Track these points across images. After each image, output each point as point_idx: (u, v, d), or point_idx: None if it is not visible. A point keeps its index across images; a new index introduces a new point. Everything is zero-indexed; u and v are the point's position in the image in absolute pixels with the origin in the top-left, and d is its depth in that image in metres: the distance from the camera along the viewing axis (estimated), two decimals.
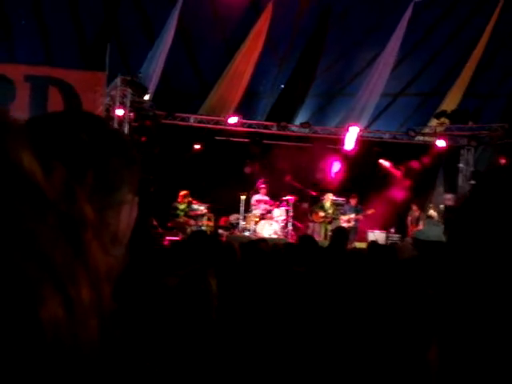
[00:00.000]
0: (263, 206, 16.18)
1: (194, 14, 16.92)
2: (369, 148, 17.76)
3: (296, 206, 16.50)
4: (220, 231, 14.64)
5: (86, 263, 0.52)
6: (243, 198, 16.00)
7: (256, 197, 16.33)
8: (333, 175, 17.68)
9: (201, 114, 18.05)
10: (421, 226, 16.36)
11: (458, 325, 0.74)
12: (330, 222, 16.16)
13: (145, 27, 17.59)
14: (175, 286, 2.25)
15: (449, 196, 18.52)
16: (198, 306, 2.27)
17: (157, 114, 16.69)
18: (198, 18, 17.17)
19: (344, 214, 16.47)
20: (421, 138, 18.70)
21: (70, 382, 0.48)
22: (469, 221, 0.79)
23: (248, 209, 16.18)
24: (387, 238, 16.59)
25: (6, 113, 0.53)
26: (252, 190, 16.46)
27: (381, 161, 18.04)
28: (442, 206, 18.28)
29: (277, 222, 15.88)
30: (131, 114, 15.31)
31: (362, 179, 17.09)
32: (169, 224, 15.34)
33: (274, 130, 17.95)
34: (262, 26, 17.47)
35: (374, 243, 8.18)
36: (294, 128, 18.37)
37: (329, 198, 16.44)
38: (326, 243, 11.82)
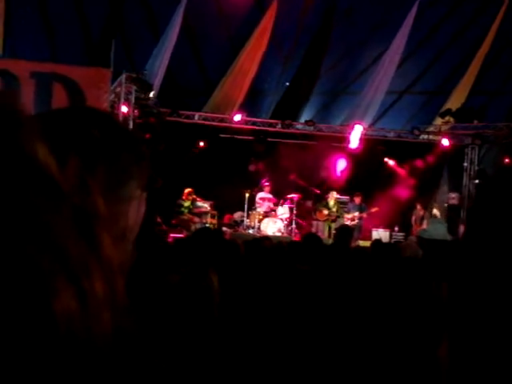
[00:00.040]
0: (267, 204, 16.19)
1: (198, 11, 16.91)
2: (373, 146, 17.73)
3: (300, 204, 16.50)
4: (224, 229, 14.64)
5: (99, 256, 0.52)
6: (247, 195, 16.00)
7: (260, 195, 16.34)
8: (338, 173, 17.66)
9: (205, 112, 18.04)
10: (425, 225, 16.34)
11: (469, 322, 0.74)
12: (333, 221, 16.16)
13: (150, 24, 17.59)
14: (177, 283, 2.25)
15: (453, 195, 18.50)
16: (200, 302, 2.27)
17: (161, 111, 16.70)
18: (202, 16, 17.16)
19: (348, 212, 16.47)
20: (425, 136, 18.67)
21: (83, 374, 0.48)
22: (481, 219, 0.79)
23: (252, 206, 16.18)
24: (391, 236, 16.59)
25: (20, 107, 0.53)
26: (256, 187, 16.46)
27: (386, 159, 18.02)
28: (445, 204, 18.29)
29: (281, 219, 15.88)
30: (136, 111, 15.32)
31: (366, 177, 17.06)
32: (173, 221, 15.36)
33: (279, 128, 17.94)
34: (266, 23, 17.45)
35: (377, 241, 8.17)
36: (298, 126, 18.36)
37: (333, 196, 16.46)
38: (330, 241, 11.85)
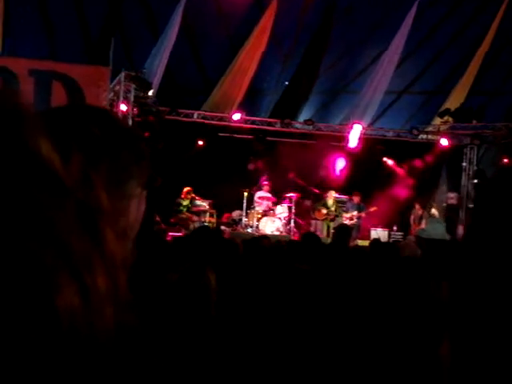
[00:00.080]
0: (266, 203, 16.18)
1: (198, 10, 16.90)
2: (372, 146, 17.73)
3: (298, 203, 16.50)
4: (222, 227, 14.64)
5: (102, 251, 0.52)
6: (246, 194, 16.00)
7: (259, 193, 16.34)
8: (337, 173, 17.65)
9: (204, 111, 18.04)
10: (423, 225, 16.35)
11: (471, 321, 0.74)
12: (332, 220, 16.16)
13: (149, 23, 17.58)
14: (175, 282, 2.26)
15: (452, 195, 18.51)
16: (197, 301, 2.27)
17: (160, 109, 16.70)
18: (202, 14, 17.14)
19: (346, 211, 16.47)
20: (424, 136, 18.67)
21: (85, 369, 0.48)
22: (482, 219, 0.79)
23: (251, 205, 16.18)
24: (390, 235, 16.58)
25: (23, 102, 0.53)
26: (255, 186, 16.46)
27: (385, 159, 18.02)
28: (444, 204, 18.30)
29: (279, 219, 15.87)
30: (135, 110, 15.32)
31: (365, 177, 17.05)
32: (172, 220, 15.37)
33: (278, 127, 17.94)
34: (266, 22, 17.43)
35: (376, 241, 8.17)
36: (297, 125, 18.35)
37: (331, 196, 16.45)
38: (329, 241, 11.84)
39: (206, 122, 17.60)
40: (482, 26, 17.34)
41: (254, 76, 18.02)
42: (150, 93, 15.92)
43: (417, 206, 16.88)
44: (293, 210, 16.11)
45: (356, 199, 16.49)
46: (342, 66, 18.39)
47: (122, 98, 14.53)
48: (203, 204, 15.86)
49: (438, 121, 18.40)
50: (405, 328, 2.64)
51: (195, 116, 17.59)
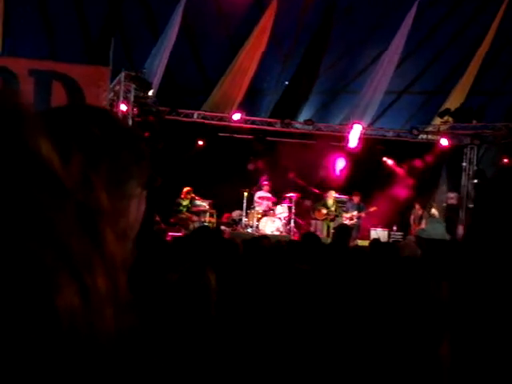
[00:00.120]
0: (266, 203, 16.18)
1: (198, 10, 16.90)
2: (372, 146, 17.73)
3: (299, 204, 16.51)
4: (222, 227, 14.65)
5: (102, 252, 0.52)
6: (246, 194, 16.00)
7: (259, 193, 16.34)
8: (337, 173, 17.65)
9: (204, 111, 18.04)
10: (423, 225, 16.35)
11: (471, 321, 0.74)
12: (332, 220, 16.16)
13: (149, 23, 17.58)
14: (175, 282, 2.26)
15: (452, 195, 18.51)
16: (197, 300, 2.27)
17: (160, 109, 16.70)
18: (202, 14, 17.14)
19: (346, 211, 16.47)
20: (424, 136, 18.67)
21: (86, 370, 0.48)
22: (483, 219, 0.79)
23: (251, 205, 16.18)
24: (389, 235, 16.58)
25: (23, 102, 0.53)
26: (255, 186, 16.46)
27: (385, 159, 18.01)
28: (444, 204, 18.29)
29: (279, 219, 15.88)
30: (135, 110, 15.32)
31: (365, 177, 17.05)
32: (171, 220, 15.37)
33: (278, 127, 17.93)
34: (266, 22, 17.43)
35: (376, 241, 8.18)
36: (297, 125, 18.35)
37: (331, 196, 16.45)
38: (329, 241, 11.84)
39: (206, 122, 17.60)
40: (482, 25, 17.34)
41: (254, 76, 18.02)
42: (150, 93, 15.92)
43: (417, 206, 16.87)
44: (293, 210, 16.11)
45: (356, 199, 16.49)
46: (342, 66, 18.38)
47: (121, 98, 14.53)
48: (203, 204, 15.87)
49: (438, 121, 18.40)
50: (405, 328, 2.64)
51: (195, 116, 17.59)
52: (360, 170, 17.16)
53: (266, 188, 16.38)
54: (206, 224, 14.66)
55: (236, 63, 17.88)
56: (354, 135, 17.49)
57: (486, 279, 0.75)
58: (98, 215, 0.54)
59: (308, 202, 16.98)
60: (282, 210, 16.07)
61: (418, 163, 17.65)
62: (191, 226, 14.56)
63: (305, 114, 18.62)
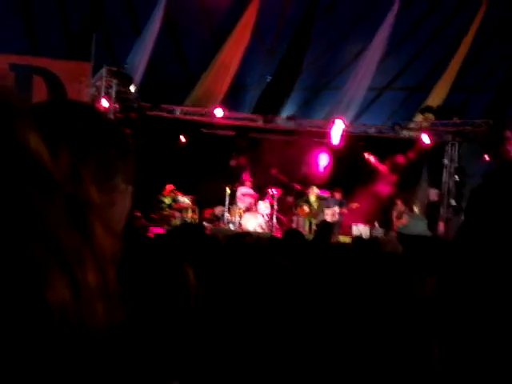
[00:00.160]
0: (248, 199, 16.18)
1: (180, 5, 16.82)
2: (354, 142, 17.77)
3: (281, 200, 16.52)
4: (204, 223, 14.64)
5: (91, 245, 0.52)
6: (228, 190, 15.99)
7: (241, 190, 16.33)
8: (319, 169, 17.67)
9: (187, 106, 17.98)
10: (405, 221, 16.42)
11: (462, 318, 0.75)
12: (314, 216, 16.18)
13: (131, 18, 17.48)
14: (154, 277, 2.26)
15: (433, 191, 18.61)
16: (176, 295, 2.28)
17: (142, 105, 16.62)
18: (184, 10, 17.07)
19: (328, 207, 16.49)
20: (406, 132, 18.74)
21: (77, 363, 0.48)
22: (478, 216, 0.80)
23: (233, 202, 16.17)
24: (371, 232, 16.64)
25: (12, 95, 0.52)
26: (237, 182, 16.45)
27: (366, 155, 18.05)
28: (425, 201, 18.39)
29: (262, 215, 15.89)
30: (116, 105, 15.24)
31: (347, 173, 17.09)
32: (153, 216, 15.33)
33: (260, 123, 17.91)
34: (248, 17, 17.42)
35: (358, 238, 8.21)
36: (280, 121, 18.33)
37: (314, 192, 16.47)
38: (311, 237, 11.88)
39: (189, 117, 17.54)
40: (463, 22, 17.44)
41: (236, 71, 17.99)
42: (132, 88, 15.84)
43: (399, 203, 16.94)
44: (275, 207, 16.13)
45: (338, 195, 16.52)
46: (324, 62, 18.40)
47: (103, 94, 14.45)
48: (186, 200, 15.84)
49: (419, 117, 18.49)
50: (388, 323, 2.65)
51: (178, 112, 17.52)
52: (342, 167, 17.19)
53: (248, 184, 16.37)
54: (188, 220, 14.65)
55: (219, 59, 17.85)
56: (336, 131, 17.50)
57: (479, 278, 0.76)
58: (86, 208, 0.53)
59: (290, 199, 16.99)
60: (264, 206, 16.08)
61: (399, 160, 17.71)
62: (173, 222, 14.54)
63: (287, 111, 18.63)
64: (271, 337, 3.19)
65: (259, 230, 15.12)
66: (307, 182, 16.90)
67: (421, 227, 15.73)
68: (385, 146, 18.02)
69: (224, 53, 17.74)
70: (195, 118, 17.55)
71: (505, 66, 18.07)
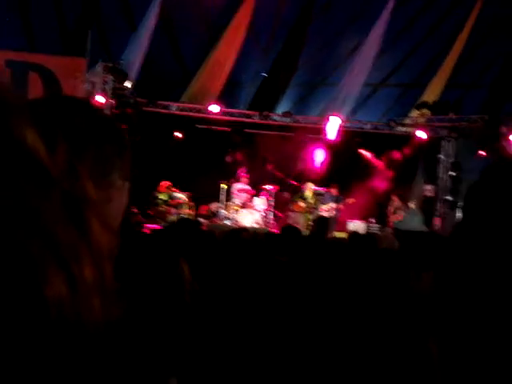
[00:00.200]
0: (244, 195, 16.18)
1: (176, 1, 16.80)
2: (350, 138, 17.77)
3: (277, 196, 16.53)
4: (200, 219, 14.62)
5: (88, 241, 0.52)
6: (224, 186, 15.99)
7: (237, 186, 16.32)
8: (315, 165, 17.66)
9: (183, 102, 17.96)
10: (401, 217, 16.42)
11: (460, 314, 0.75)
12: (310, 212, 16.19)
13: (126, 14, 17.44)
14: (148, 273, 2.26)
15: (428, 187, 18.63)
16: (171, 292, 2.28)
17: (138, 101, 16.58)
18: (180, 6, 17.04)
19: (324, 203, 16.49)
20: (402, 128, 18.75)
21: (73, 358, 0.48)
22: (477, 212, 0.80)
23: (229, 198, 16.17)
24: (367, 227, 16.64)
25: (9, 91, 0.52)
26: (233, 178, 16.44)
27: (361, 151, 18.05)
28: (421, 196, 18.41)
29: (258, 211, 15.89)
30: (112, 101, 15.21)
31: (342, 169, 17.10)
32: (149, 212, 15.32)
33: (256, 119, 17.90)
34: (244, 14, 17.40)
35: (355, 233, 8.22)
36: (275, 117, 18.32)
37: (310, 188, 16.46)
38: (307, 233, 11.88)
39: (184, 113, 17.51)
40: (459, 19, 17.45)
41: (232, 68, 17.98)
42: (127, 83, 15.80)
43: (394, 198, 16.94)
44: (271, 203, 16.13)
45: (334, 191, 16.52)
46: (319, 59, 18.40)
47: (99, 90, 14.42)
48: (182, 196, 15.83)
49: (415, 113, 18.50)
50: (385, 319, 2.66)
51: (173, 108, 17.49)
52: (338, 162, 17.20)
53: (244, 180, 16.36)
54: (184, 216, 14.64)
55: (214, 55, 17.83)
56: (332, 128, 17.49)
57: (476, 273, 0.76)
58: (83, 204, 0.54)
59: (286, 194, 17.00)
60: (260, 202, 16.08)
61: (395, 155, 17.71)
62: (169, 219, 14.53)
63: (283, 107, 18.62)
64: (268, 332, 3.20)
65: (255, 225, 15.12)
66: (303, 178, 16.90)
67: (417, 222, 15.75)
68: (381, 142, 18.01)
69: (219, 50, 17.73)
70: (191, 113, 17.52)
71: (500, 62, 18.10)
